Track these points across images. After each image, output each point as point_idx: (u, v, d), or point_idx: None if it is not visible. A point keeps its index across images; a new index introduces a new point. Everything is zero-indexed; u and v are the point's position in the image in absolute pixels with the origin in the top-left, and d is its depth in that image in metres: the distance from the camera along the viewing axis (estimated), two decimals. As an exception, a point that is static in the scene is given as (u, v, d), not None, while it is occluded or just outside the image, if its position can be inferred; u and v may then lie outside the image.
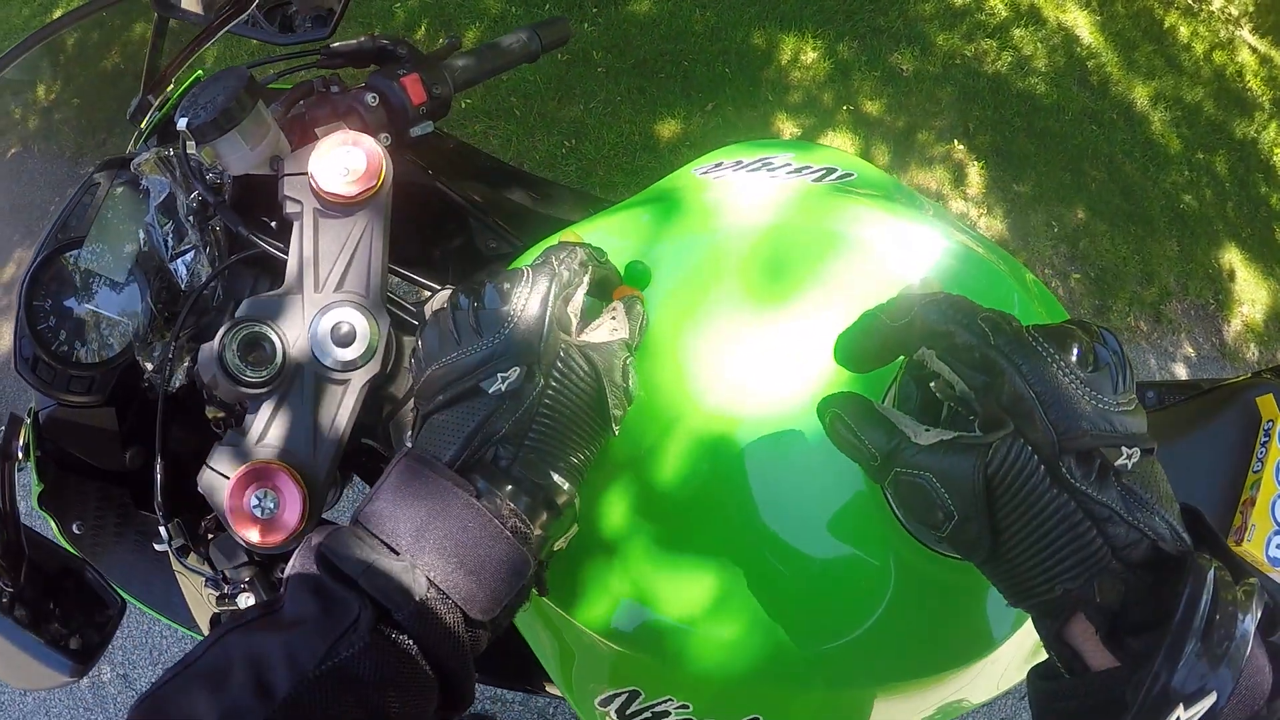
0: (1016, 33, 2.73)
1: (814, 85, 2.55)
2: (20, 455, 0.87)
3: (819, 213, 0.69)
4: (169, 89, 0.87)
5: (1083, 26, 2.81)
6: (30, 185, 2.66)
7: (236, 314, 0.68)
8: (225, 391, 0.68)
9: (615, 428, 0.54)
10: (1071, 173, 2.55)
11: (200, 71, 0.86)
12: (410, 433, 0.62)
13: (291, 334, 0.69)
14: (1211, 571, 0.38)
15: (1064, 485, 0.41)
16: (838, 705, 0.63)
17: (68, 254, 0.87)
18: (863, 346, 0.51)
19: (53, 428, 0.92)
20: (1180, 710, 0.36)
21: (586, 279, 0.57)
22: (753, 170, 0.77)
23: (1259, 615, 0.38)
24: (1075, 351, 0.42)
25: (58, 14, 2.97)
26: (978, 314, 0.45)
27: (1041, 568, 0.43)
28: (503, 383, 0.49)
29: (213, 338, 0.87)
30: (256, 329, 0.66)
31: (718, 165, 0.80)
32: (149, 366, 0.85)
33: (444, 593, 0.45)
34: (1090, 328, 0.45)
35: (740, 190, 0.73)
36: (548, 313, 0.51)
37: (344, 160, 0.70)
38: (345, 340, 0.68)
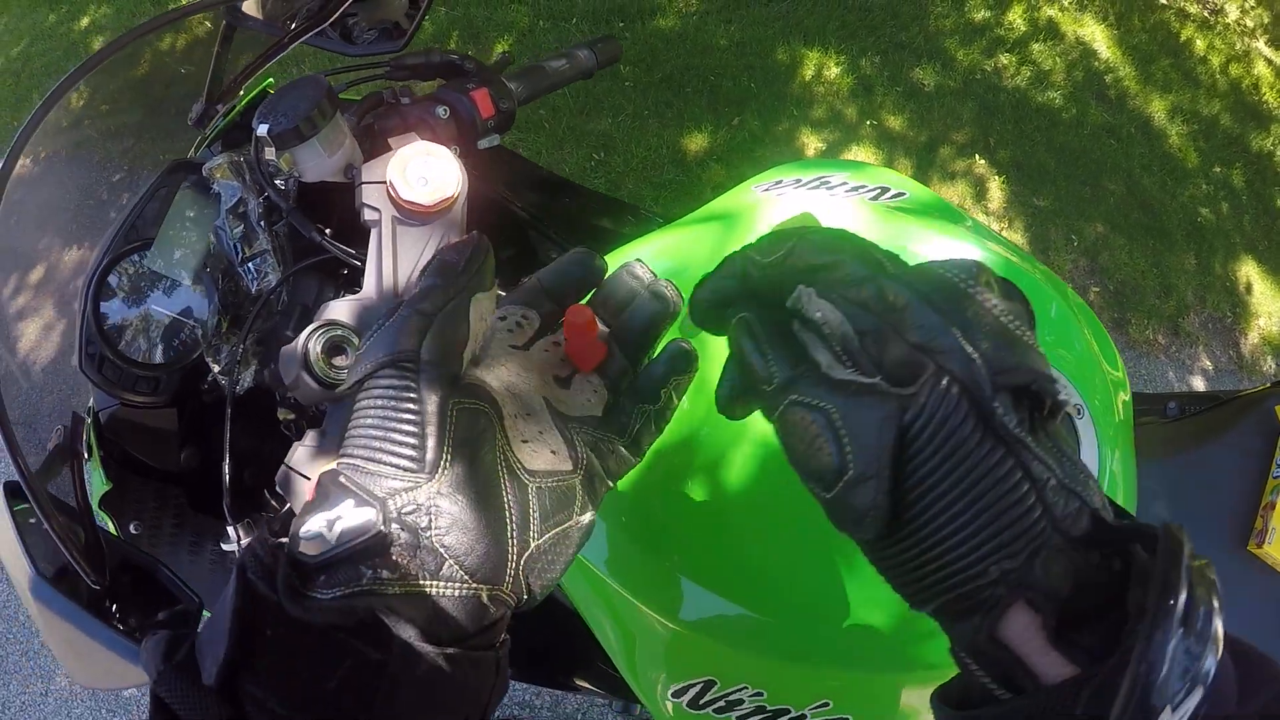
0: (1035, 47, 2.75)
1: (838, 100, 2.57)
2: (85, 454, 0.88)
3: (881, 231, 0.72)
4: (239, 94, 0.88)
5: (1100, 41, 2.83)
6: (59, 189, 2.69)
7: (321, 317, 0.69)
8: (305, 393, 0.69)
9: None
10: (1090, 187, 2.56)
11: (271, 79, 0.88)
12: None
13: (371, 337, 0.70)
14: (1186, 545, 0.31)
15: (999, 434, 0.33)
16: (906, 689, 0.64)
17: (135, 255, 0.89)
18: (722, 291, 0.41)
19: (113, 427, 0.94)
20: (1168, 714, 0.29)
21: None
22: (812, 188, 0.79)
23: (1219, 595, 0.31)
24: (988, 283, 0.35)
25: (84, 21, 3.00)
26: (869, 245, 0.38)
27: (971, 544, 0.33)
28: None
29: (276, 341, 0.89)
30: (341, 332, 0.68)
31: (778, 183, 0.82)
32: (216, 368, 0.86)
33: None
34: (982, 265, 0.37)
35: (806, 208, 0.75)
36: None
37: (422, 170, 0.71)
38: (425, 345, 0.70)
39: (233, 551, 0.81)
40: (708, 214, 0.82)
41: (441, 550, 0.36)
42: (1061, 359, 0.70)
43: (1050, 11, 2.84)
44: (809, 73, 2.60)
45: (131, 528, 0.95)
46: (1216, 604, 0.30)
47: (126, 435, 0.95)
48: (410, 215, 0.72)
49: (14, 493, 0.82)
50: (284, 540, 0.37)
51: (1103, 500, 0.34)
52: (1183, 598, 0.30)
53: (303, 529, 0.36)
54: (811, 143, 2.48)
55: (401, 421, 0.37)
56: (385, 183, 0.72)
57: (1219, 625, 0.30)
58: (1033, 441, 0.33)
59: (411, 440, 0.37)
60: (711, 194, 2.38)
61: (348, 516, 0.36)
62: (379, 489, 0.36)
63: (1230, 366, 2.45)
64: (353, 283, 0.88)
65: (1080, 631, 0.33)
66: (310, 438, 0.71)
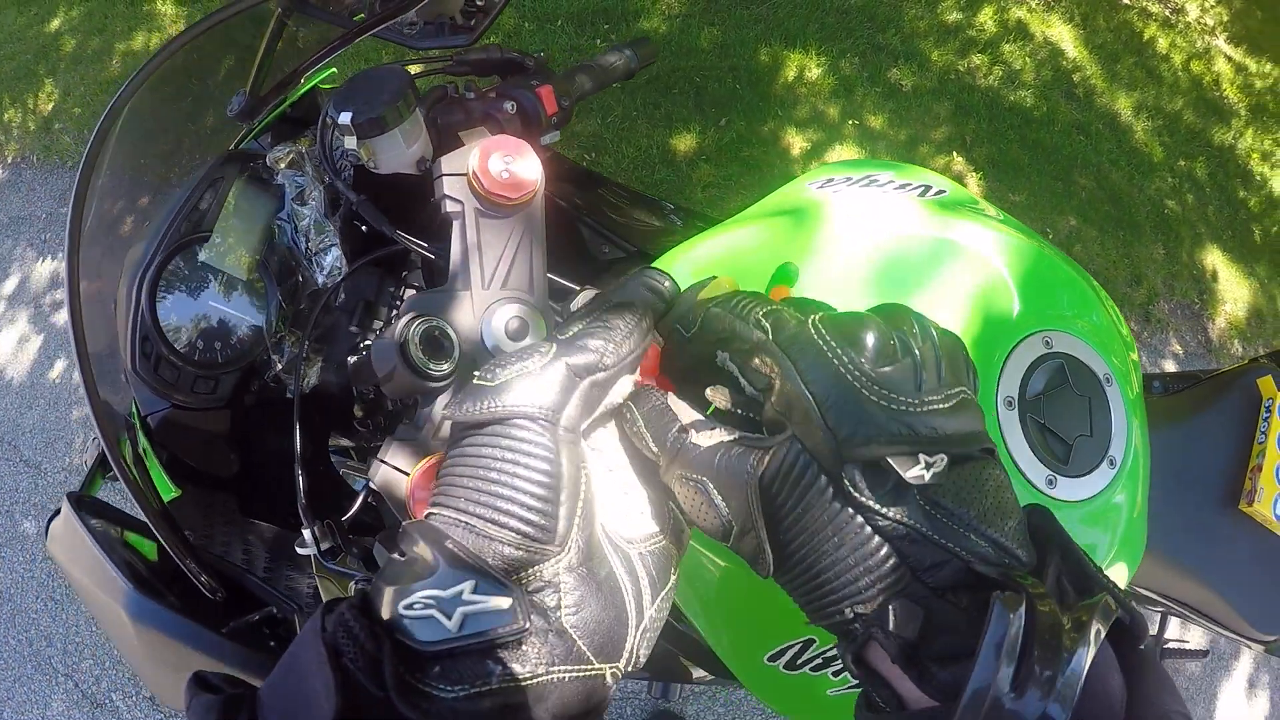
0: (1006, 48, 2.83)
1: (820, 100, 2.62)
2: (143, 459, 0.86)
3: (931, 224, 0.75)
4: (301, 82, 0.87)
5: (1067, 40, 2.92)
6: (29, 197, 2.61)
7: (412, 308, 0.69)
8: (400, 384, 0.68)
9: None
10: (1063, 182, 2.65)
11: (334, 70, 0.87)
12: None
13: (462, 328, 0.70)
14: (1020, 611, 0.32)
15: (848, 500, 0.36)
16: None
17: (189, 249, 0.87)
18: (676, 362, 0.44)
19: (164, 432, 0.92)
20: None
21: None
22: (863, 186, 0.82)
23: (1097, 641, 0.32)
24: (869, 344, 0.37)
25: (55, 23, 2.91)
26: (760, 308, 0.40)
27: (828, 588, 0.37)
28: None
29: (335, 338, 0.88)
30: (438, 323, 0.68)
31: (829, 180, 0.84)
32: (279, 366, 0.85)
33: None
34: (899, 313, 0.39)
35: (863, 203, 0.78)
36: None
37: (504, 163, 0.72)
38: (518, 335, 0.70)
39: (308, 555, 0.80)
40: (763, 212, 0.83)
41: (570, 631, 0.34)
42: (1084, 329, 0.75)
43: (1019, 13, 2.92)
44: (791, 74, 2.64)
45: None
46: (1068, 663, 0.30)
47: (175, 440, 0.93)
48: (493, 208, 0.72)
49: (80, 504, 0.80)
50: (364, 595, 0.34)
51: (995, 547, 0.36)
52: (1001, 670, 0.30)
53: (404, 604, 0.32)
54: (797, 142, 2.52)
55: (533, 483, 0.35)
56: (467, 175, 0.72)
57: (1068, 683, 0.30)
58: (887, 504, 0.35)
59: (543, 506, 0.35)
60: (702, 193, 2.40)
61: (472, 600, 0.32)
62: (497, 557, 0.34)
63: (1199, 350, 2.55)
64: (397, 272, 0.87)
65: (946, 666, 0.34)
66: (402, 430, 0.70)
